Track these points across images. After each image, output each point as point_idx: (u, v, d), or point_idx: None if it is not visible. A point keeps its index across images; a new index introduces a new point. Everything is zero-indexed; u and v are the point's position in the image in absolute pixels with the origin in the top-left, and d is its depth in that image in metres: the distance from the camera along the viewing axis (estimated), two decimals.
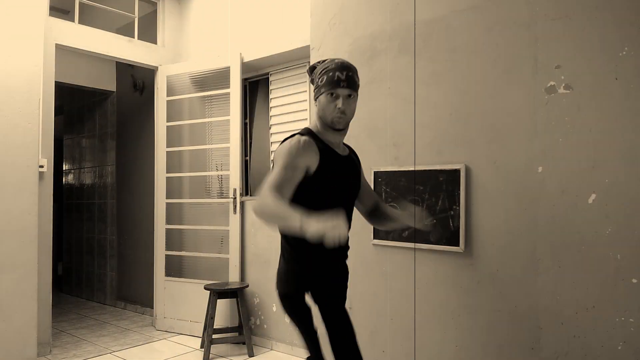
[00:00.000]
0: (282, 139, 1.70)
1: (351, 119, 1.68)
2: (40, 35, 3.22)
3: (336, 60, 1.66)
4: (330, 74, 1.61)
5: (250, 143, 4.02)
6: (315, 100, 1.68)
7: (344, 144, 1.83)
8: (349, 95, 1.62)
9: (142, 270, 4.60)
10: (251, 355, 3.32)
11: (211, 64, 3.83)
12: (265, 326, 3.54)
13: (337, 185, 1.69)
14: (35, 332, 3.11)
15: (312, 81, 1.72)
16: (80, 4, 3.85)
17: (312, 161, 1.59)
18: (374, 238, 2.62)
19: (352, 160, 1.81)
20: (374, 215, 1.96)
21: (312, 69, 1.73)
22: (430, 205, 2.40)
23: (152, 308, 4.22)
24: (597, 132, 1.96)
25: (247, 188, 3.96)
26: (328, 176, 1.63)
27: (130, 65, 4.44)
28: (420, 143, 2.47)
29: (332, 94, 1.61)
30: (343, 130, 1.69)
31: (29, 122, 3.13)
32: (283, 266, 1.75)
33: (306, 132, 1.68)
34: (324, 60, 1.71)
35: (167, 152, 4.04)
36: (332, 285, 1.72)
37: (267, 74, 3.86)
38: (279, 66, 3.75)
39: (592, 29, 1.98)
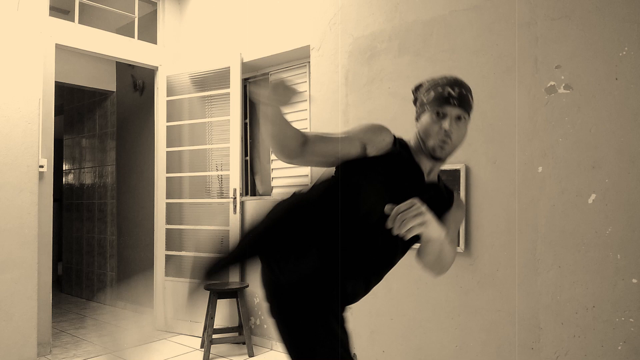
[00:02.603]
0: None
1: (457, 147, 1.35)
2: (40, 35, 3.22)
3: (448, 76, 1.37)
4: (440, 89, 1.32)
5: (251, 143, 4.02)
6: (417, 120, 1.39)
7: (440, 178, 1.49)
8: (459, 117, 1.31)
9: (142, 270, 4.60)
10: (251, 355, 3.32)
11: (211, 64, 3.83)
12: (265, 326, 3.54)
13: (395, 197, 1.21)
14: (35, 332, 3.11)
15: (414, 101, 1.44)
16: (80, 4, 3.85)
17: (375, 139, 1.31)
18: None
19: (438, 192, 1.43)
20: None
21: (417, 87, 1.44)
22: None
23: (152, 308, 4.22)
24: (597, 132, 1.96)
25: (247, 188, 3.96)
26: (388, 174, 1.32)
27: (130, 65, 4.44)
28: None
29: (438, 113, 1.31)
30: (442, 160, 1.36)
31: (29, 122, 3.13)
32: None
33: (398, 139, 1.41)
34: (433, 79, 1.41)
35: (167, 152, 4.03)
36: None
37: (267, 74, 3.86)
38: (279, 66, 3.75)
39: (592, 29, 1.98)
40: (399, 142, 1.39)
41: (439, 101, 1.31)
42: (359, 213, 1.30)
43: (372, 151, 1.32)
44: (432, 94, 1.33)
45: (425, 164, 1.39)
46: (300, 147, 1.26)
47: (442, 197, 1.44)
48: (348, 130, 1.35)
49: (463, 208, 1.51)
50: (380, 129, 1.34)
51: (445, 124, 1.29)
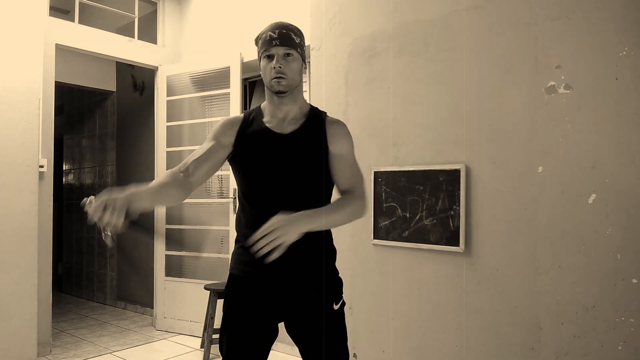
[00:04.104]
0: None
1: (296, 81, 1.47)
2: (40, 35, 3.22)
3: (273, 22, 1.49)
4: (264, 35, 1.46)
5: None
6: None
7: (313, 109, 1.57)
8: (287, 55, 1.44)
9: (142, 270, 4.60)
10: None
11: (211, 64, 3.83)
12: None
13: (262, 167, 1.46)
14: (35, 332, 3.11)
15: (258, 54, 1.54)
16: (80, 4, 3.85)
17: (227, 134, 1.53)
18: (374, 238, 2.62)
19: (301, 136, 1.49)
20: None
21: (256, 41, 1.53)
22: (430, 205, 2.40)
23: (152, 308, 4.22)
24: (597, 132, 1.96)
25: None
26: (246, 154, 1.49)
27: (130, 65, 4.44)
28: (420, 143, 2.47)
29: (268, 56, 1.44)
30: (286, 94, 1.46)
31: (29, 122, 3.13)
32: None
33: (255, 109, 1.58)
34: None
35: (167, 152, 4.03)
36: None
37: None
38: None
39: (592, 29, 1.98)
40: (250, 115, 1.55)
41: (265, 45, 1.45)
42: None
43: (229, 145, 1.54)
44: (260, 41, 1.47)
45: (279, 110, 1.50)
46: (185, 187, 1.53)
47: (316, 128, 1.51)
48: (210, 138, 1.56)
49: (343, 130, 1.53)
50: (224, 123, 1.56)
51: (273, 63, 1.43)
